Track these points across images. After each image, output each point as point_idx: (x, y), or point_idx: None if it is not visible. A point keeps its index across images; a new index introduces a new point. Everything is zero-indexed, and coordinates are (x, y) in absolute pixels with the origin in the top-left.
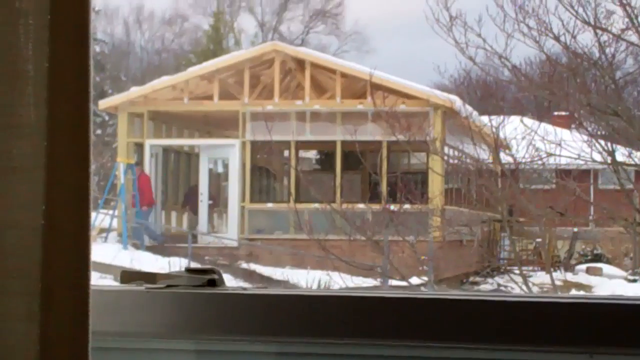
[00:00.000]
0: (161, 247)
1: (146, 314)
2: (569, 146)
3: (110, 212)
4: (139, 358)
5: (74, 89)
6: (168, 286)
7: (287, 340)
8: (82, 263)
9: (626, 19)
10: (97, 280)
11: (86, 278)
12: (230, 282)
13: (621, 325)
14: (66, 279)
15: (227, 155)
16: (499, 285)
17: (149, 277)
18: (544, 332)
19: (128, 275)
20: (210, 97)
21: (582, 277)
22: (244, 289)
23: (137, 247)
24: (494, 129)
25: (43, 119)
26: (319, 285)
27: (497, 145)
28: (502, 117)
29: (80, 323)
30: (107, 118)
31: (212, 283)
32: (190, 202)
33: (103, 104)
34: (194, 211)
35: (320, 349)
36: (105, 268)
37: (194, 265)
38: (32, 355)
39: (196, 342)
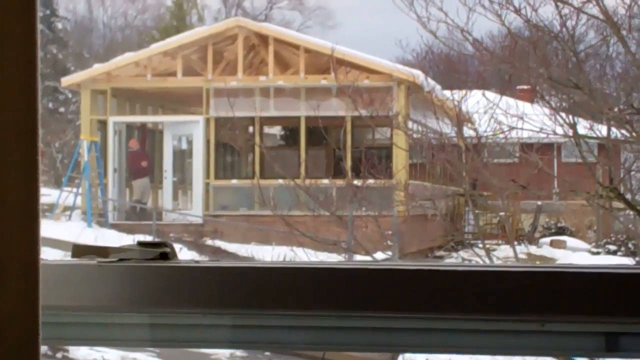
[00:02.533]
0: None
1: (98, 288)
2: (531, 120)
3: (74, 190)
4: (91, 332)
5: (20, 61)
6: (120, 260)
7: (241, 312)
8: (31, 237)
9: None
10: (63, 258)
11: (35, 252)
12: (196, 259)
13: (572, 294)
14: (15, 253)
15: (191, 131)
16: (463, 259)
17: (101, 251)
18: (496, 301)
19: (80, 249)
20: (173, 74)
21: (546, 250)
22: (196, 262)
23: (101, 224)
24: (456, 103)
25: None
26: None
27: (460, 119)
28: (464, 91)
29: (30, 297)
30: (70, 95)
31: (165, 256)
32: (134, 172)
33: (66, 81)
34: (141, 175)
35: (274, 320)
36: (69, 246)
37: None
38: None
39: (149, 315)
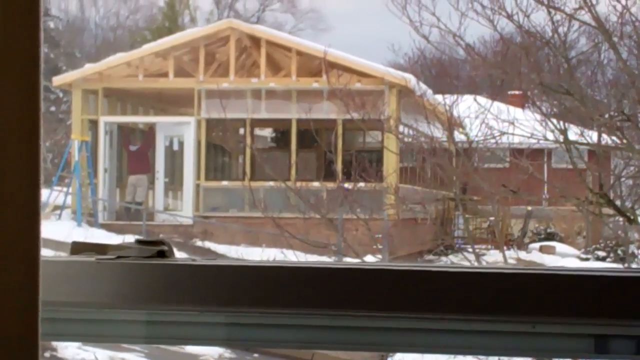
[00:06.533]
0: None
1: (96, 285)
2: (522, 125)
3: (64, 189)
4: (89, 328)
5: (24, 61)
6: (118, 257)
7: (236, 310)
8: (32, 234)
9: None
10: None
11: (36, 248)
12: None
13: (563, 296)
14: (16, 249)
15: (183, 132)
16: (452, 263)
17: (100, 248)
18: (488, 302)
19: (78, 246)
20: (165, 75)
21: (535, 256)
22: (194, 259)
23: (91, 224)
24: (447, 108)
25: None
26: None
27: (451, 123)
28: (456, 95)
29: (30, 293)
30: (61, 95)
31: (162, 254)
32: (137, 165)
33: (57, 80)
34: (145, 170)
35: (269, 319)
36: (58, 245)
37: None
38: None
39: (146, 312)
